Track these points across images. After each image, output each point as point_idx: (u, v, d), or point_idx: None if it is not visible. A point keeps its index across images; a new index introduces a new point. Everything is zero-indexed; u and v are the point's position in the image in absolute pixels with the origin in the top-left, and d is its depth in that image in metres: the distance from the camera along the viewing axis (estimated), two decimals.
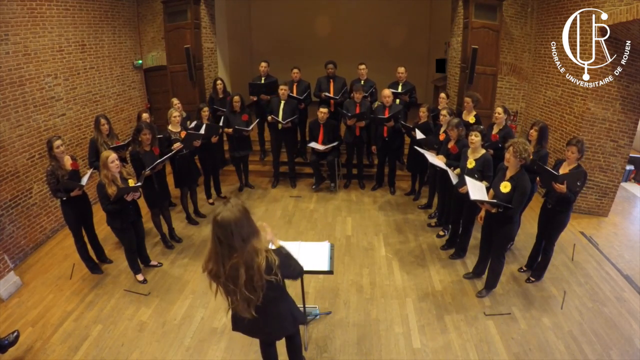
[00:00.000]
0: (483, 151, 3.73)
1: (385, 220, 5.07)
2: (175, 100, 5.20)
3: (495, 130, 4.36)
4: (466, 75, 5.90)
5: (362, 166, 6.00)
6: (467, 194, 3.35)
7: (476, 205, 3.45)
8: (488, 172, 3.65)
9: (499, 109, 4.32)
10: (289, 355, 2.61)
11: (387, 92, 5.22)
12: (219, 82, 5.81)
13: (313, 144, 5.46)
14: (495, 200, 3.18)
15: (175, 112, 4.64)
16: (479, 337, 3.17)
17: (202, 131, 4.68)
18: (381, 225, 4.95)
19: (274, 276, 1.87)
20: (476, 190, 3.28)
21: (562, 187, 3.23)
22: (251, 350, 3.03)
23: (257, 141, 6.48)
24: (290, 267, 2.01)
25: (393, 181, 5.85)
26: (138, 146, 3.96)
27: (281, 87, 5.44)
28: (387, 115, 5.16)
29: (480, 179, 3.63)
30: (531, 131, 3.84)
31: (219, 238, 1.79)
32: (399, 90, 5.58)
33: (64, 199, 3.62)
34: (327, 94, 5.74)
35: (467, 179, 3.39)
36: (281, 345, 2.60)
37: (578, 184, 3.28)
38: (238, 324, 2.21)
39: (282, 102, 5.46)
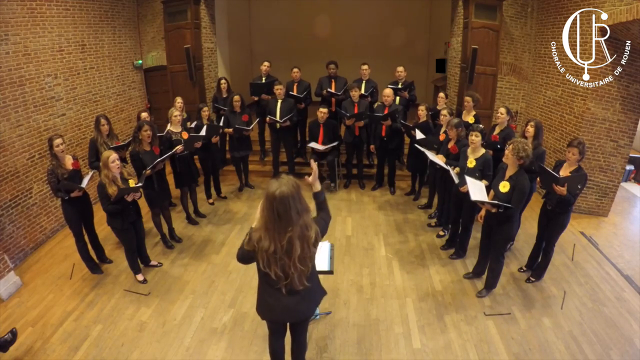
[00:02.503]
0: (483, 151, 3.74)
1: (385, 220, 5.07)
2: (178, 99, 5.19)
3: (497, 130, 4.36)
4: (466, 75, 5.91)
5: (362, 166, 6.00)
6: (467, 193, 3.35)
7: (476, 204, 3.45)
8: (488, 171, 3.66)
9: (502, 109, 4.30)
10: (292, 355, 2.61)
11: (388, 91, 5.22)
12: (223, 81, 5.81)
13: (313, 144, 5.46)
14: (495, 201, 3.18)
15: (176, 112, 4.63)
16: (479, 337, 3.17)
17: (204, 132, 4.68)
18: (381, 225, 4.95)
19: (316, 249, 2.02)
20: (477, 190, 3.28)
21: (562, 190, 3.23)
22: (251, 350, 3.04)
23: (257, 141, 6.48)
24: (327, 225, 2.18)
25: (393, 181, 5.85)
26: (138, 146, 3.96)
27: (277, 86, 5.44)
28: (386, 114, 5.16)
29: (480, 178, 3.63)
30: (527, 127, 3.85)
31: (279, 212, 1.87)
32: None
33: (65, 198, 3.63)
34: (329, 89, 5.74)
35: (468, 179, 3.39)
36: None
37: (579, 186, 3.28)
38: (271, 311, 2.23)
39: (279, 102, 5.47)
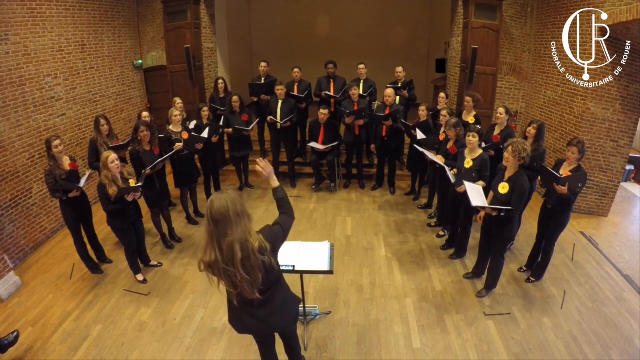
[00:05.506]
0: (480, 151, 3.74)
1: (385, 220, 5.07)
2: (177, 100, 5.20)
3: (497, 131, 4.35)
4: (466, 75, 5.90)
5: (362, 166, 6.00)
6: (464, 194, 3.34)
7: None
8: (485, 172, 3.66)
9: (501, 110, 4.30)
10: (288, 356, 2.61)
11: (389, 91, 5.23)
12: (220, 81, 5.82)
13: (313, 144, 5.46)
14: (496, 206, 3.17)
15: (177, 112, 4.64)
16: (479, 337, 3.17)
17: (206, 134, 4.68)
18: (381, 225, 4.95)
19: (268, 257, 1.92)
20: (476, 195, 3.28)
21: (563, 189, 3.23)
22: (251, 350, 3.03)
23: (257, 141, 6.49)
24: (282, 231, 2.06)
25: (393, 181, 5.85)
26: (138, 145, 3.96)
27: (278, 87, 5.44)
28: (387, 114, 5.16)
29: (478, 179, 3.63)
30: (529, 129, 3.84)
31: (215, 218, 1.82)
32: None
33: (63, 198, 3.63)
34: (327, 92, 5.74)
35: (467, 184, 3.39)
36: (280, 346, 2.59)
37: (579, 185, 3.28)
38: (244, 324, 2.17)
39: (280, 102, 5.47)
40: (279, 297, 2.13)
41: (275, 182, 2.14)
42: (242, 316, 2.14)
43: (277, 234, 2.04)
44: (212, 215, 1.83)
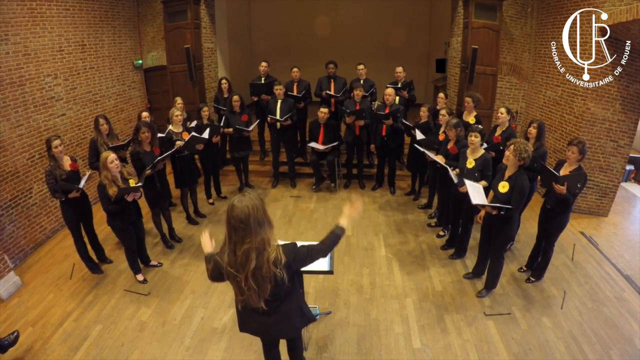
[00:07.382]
0: (482, 151, 3.74)
1: (385, 220, 5.07)
2: (178, 99, 5.19)
3: (498, 131, 4.35)
4: (466, 75, 5.90)
5: (362, 166, 6.00)
6: (466, 194, 3.35)
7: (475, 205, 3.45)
8: (487, 171, 3.65)
9: (502, 110, 4.29)
10: (289, 356, 2.61)
11: (390, 90, 5.23)
12: (224, 81, 5.82)
13: (313, 144, 5.46)
14: (496, 204, 3.17)
15: (177, 112, 4.63)
16: (479, 337, 3.17)
17: (206, 135, 4.68)
18: (381, 225, 4.95)
19: (280, 270, 1.88)
20: (476, 194, 3.28)
21: (561, 189, 3.23)
22: (251, 350, 3.04)
23: (257, 141, 6.49)
24: (308, 257, 2.01)
25: (393, 181, 5.85)
26: (138, 146, 3.96)
27: (277, 87, 5.44)
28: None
29: (480, 178, 3.63)
30: (530, 129, 3.84)
31: (234, 224, 1.79)
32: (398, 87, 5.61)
33: (63, 199, 3.63)
34: (328, 92, 5.75)
35: (467, 182, 3.39)
36: (281, 346, 2.59)
37: (578, 185, 3.27)
38: (245, 325, 2.19)
39: (279, 102, 5.47)
40: (287, 309, 2.11)
41: (345, 222, 2.11)
42: (244, 317, 2.15)
43: (299, 252, 1.98)
44: (231, 221, 1.80)
